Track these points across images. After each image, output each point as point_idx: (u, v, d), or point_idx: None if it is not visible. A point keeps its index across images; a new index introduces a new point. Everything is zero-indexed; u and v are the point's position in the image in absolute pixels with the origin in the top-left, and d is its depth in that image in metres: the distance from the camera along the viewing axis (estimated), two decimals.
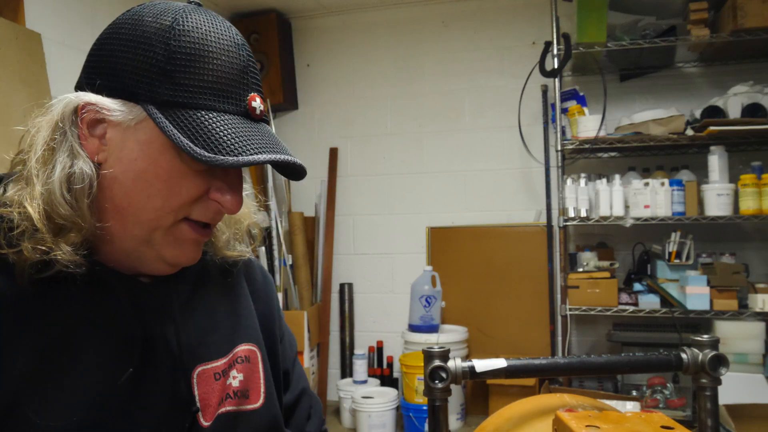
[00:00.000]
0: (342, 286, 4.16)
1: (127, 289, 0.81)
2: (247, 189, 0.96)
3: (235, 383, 0.88)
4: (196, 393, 0.84)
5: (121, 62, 0.74)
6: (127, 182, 0.75)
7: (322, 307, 4.09)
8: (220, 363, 0.88)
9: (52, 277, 0.74)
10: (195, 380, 0.85)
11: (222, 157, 0.71)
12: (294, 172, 0.80)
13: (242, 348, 0.92)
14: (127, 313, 0.80)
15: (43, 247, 0.72)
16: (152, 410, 0.80)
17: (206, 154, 0.70)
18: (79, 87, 0.78)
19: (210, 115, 0.73)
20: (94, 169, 0.74)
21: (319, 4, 4.10)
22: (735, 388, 2.80)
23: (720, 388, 0.92)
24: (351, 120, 4.22)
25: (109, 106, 0.74)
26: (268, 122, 0.83)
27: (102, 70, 0.76)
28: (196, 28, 0.75)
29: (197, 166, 0.75)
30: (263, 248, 3.99)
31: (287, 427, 1.02)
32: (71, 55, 2.81)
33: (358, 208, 4.20)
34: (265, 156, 0.73)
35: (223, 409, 0.86)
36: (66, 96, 0.77)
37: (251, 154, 0.72)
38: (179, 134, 0.71)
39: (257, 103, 0.78)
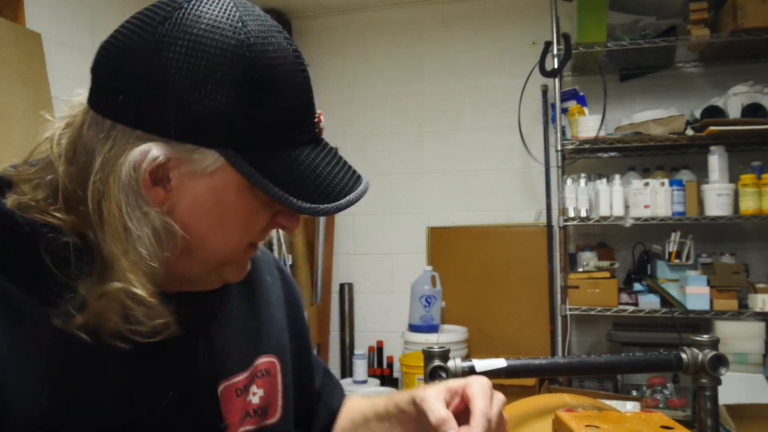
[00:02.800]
0: (342, 286, 4.16)
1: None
2: None
3: (255, 400, 0.84)
4: (221, 410, 0.80)
5: (188, 98, 0.63)
6: (202, 229, 0.68)
7: (322, 307, 4.09)
8: (242, 377, 0.83)
9: None
10: (220, 397, 0.80)
11: (325, 206, 0.68)
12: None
13: (263, 361, 0.87)
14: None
15: (163, 321, 0.66)
16: (184, 428, 0.76)
17: (311, 206, 0.67)
18: (118, 115, 0.65)
19: (294, 153, 0.68)
20: (171, 222, 0.66)
21: (319, 4, 4.10)
22: (735, 388, 2.80)
23: (720, 388, 0.92)
24: (351, 120, 4.22)
25: (180, 155, 0.65)
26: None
27: (156, 106, 0.63)
28: (265, 40, 0.66)
29: (268, 199, 0.69)
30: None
31: (318, 409, 1.00)
32: (71, 55, 2.81)
33: (358, 208, 4.19)
34: (354, 194, 0.72)
35: (244, 428, 0.82)
36: (124, 151, 0.64)
37: (345, 195, 0.71)
38: (273, 186, 0.65)
39: (322, 122, 0.74)
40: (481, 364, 0.90)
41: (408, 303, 3.68)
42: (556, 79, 3.40)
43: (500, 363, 0.90)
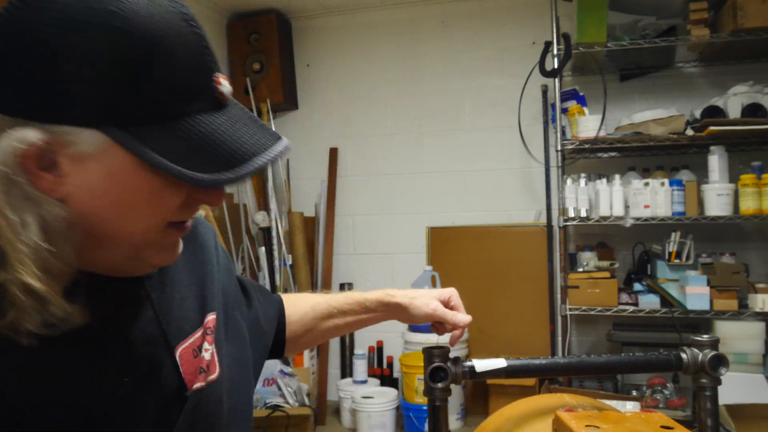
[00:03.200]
0: (342, 286, 4.16)
1: (100, 290, 0.71)
2: None
3: (207, 356, 0.82)
4: (183, 375, 0.78)
5: (55, 76, 0.58)
6: (105, 214, 0.65)
7: None
8: (197, 336, 0.82)
9: None
10: (179, 362, 0.78)
11: (227, 175, 0.63)
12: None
13: (210, 317, 0.85)
14: (108, 317, 0.72)
15: (59, 314, 0.63)
16: (146, 407, 0.75)
17: (210, 177, 0.62)
18: None
19: (188, 122, 0.63)
20: (65, 209, 0.63)
21: (319, 4, 4.10)
22: (735, 388, 2.80)
23: (720, 388, 0.92)
24: (351, 120, 4.22)
25: (59, 139, 0.60)
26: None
27: (29, 87, 0.59)
28: (139, 5, 0.60)
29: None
30: (263, 248, 3.99)
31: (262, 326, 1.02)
32: None
33: (358, 208, 4.20)
34: (262, 158, 0.66)
35: (196, 385, 0.79)
36: None
37: (249, 159, 0.64)
38: (163, 159, 0.61)
39: (224, 85, 0.67)
40: (481, 363, 0.90)
41: None
42: (556, 79, 3.40)
43: (500, 363, 0.90)
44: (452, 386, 0.92)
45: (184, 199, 0.68)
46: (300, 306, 1.10)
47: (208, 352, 0.83)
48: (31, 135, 0.60)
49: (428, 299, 1.05)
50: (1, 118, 0.61)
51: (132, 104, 0.60)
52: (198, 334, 0.83)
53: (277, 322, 1.06)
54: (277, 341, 1.06)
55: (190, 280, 0.86)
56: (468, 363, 0.92)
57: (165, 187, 0.65)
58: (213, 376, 0.83)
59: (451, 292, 1.07)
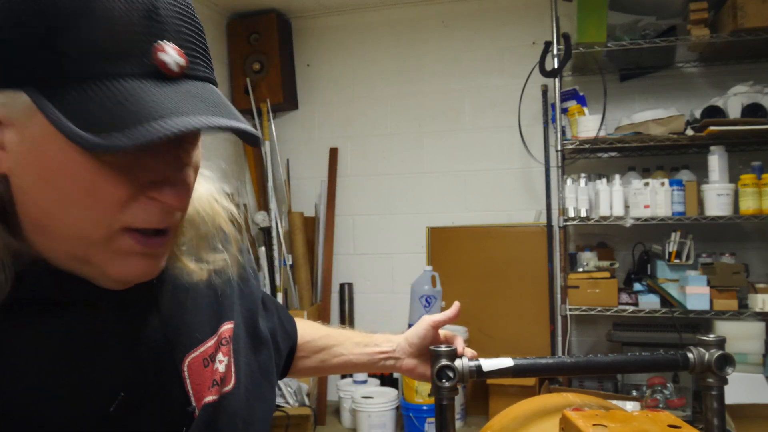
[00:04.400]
0: (342, 286, 4.16)
1: (103, 294, 0.67)
2: (206, 171, 0.78)
3: (221, 368, 0.78)
4: (189, 388, 0.74)
5: None
6: (37, 192, 0.59)
7: (322, 307, 4.09)
8: (209, 345, 0.77)
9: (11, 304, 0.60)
10: (186, 373, 0.74)
11: (116, 138, 0.53)
12: (245, 137, 0.61)
13: (226, 327, 0.81)
14: (112, 324, 0.68)
15: None
16: (149, 423, 0.70)
17: (90, 138, 0.53)
18: None
19: (106, 86, 0.55)
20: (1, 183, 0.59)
21: (319, 4, 4.10)
22: (735, 388, 2.78)
23: None
24: (351, 120, 4.22)
25: None
26: (204, 80, 0.62)
27: None
28: None
29: (110, 158, 0.58)
30: (263, 248, 3.99)
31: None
32: None
33: (358, 208, 4.20)
34: (171, 125, 0.54)
35: (207, 399, 0.75)
36: None
37: (159, 119, 0.54)
38: (65, 119, 0.54)
39: (170, 54, 0.58)
40: (488, 363, 0.90)
41: (408, 303, 3.68)
42: (556, 79, 3.40)
43: (507, 362, 0.90)
44: None
45: (131, 194, 0.60)
46: (309, 332, 1.10)
47: (223, 363, 0.78)
48: None
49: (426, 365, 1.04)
50: None
51: (52, 63, 0.55)
52: (210, 343, 0.78)
53: (290, 344, 1.05)
54: (286, 362, 1.06)
55: (206, 285, 0.80)
56: (475, 362, 0.92)
57: (100, 172, 0.58)
58: (228, 388, 0.79)
59: (454, 335, 1.06)
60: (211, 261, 0.78)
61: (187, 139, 0.64)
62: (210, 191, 0.79)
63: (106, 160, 0.58)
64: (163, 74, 0.58)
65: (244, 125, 0.59)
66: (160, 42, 0.58)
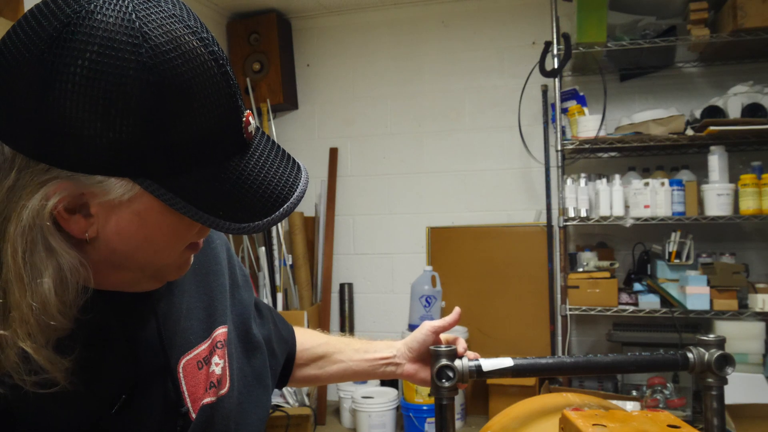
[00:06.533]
0: (342, 286, 4.16)
1: (105, 299, 0.71)
2: None
3: (218, 371, 0.82)
4: (184, 389, 0.78)
5: (89, 131, 0.57)
6: (130, 250, 0.66)
7: (322, 307, 4.09)
8: (203, 348, 0.82)
9: None
10: (181, 374, 0.79)
11: (256, 223, 0.64)
12: None
13: (220, 331, 0.85)
14: (112, 328, 0.73)
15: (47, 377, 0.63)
16: (144, 424, 0.75)
17: (239, 225, 0.63)
18: (18, 144, 0.59)
19: (218, 169, 0.62)
20: (83, 262, 0.63)
21: (319, 4, 4.10)
22: (735, 388, 2.79)
23: None
24: (351, 120, 4.22)
25: (91, 188, 0.60)
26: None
27: (57, 140, 0.57)
28: (171, 54, 0.58)
29: None
30: (263, 248, 3.99)
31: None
32: None
33: (358, 208, 4.20)
34: (289, 204, 0.66)
35: (205, 400, 0.80)
36: (27, 186, 0.60)
37: (279, 202, 0.65)
38: (195, 209, 0.61)
39: (252, 124, 0.66)
40: (488, 363, 0.90)
41: (408, 303, 3.68)
42: (556, 79, 3.40)
43: (507, 362, 0.90)
44: None
45: (198, 227, 0.69)
46: (308, 340, 1.11)
47: (219, 366, 0.83)
48: (63, 188, 0.60)
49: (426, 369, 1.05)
50: (26, 159, 0.60)
51: (162, 153, 0.59)
52: (204, 346, 0.82)
53: (288, 350, 1.06)
54: (284, 375, 1.06)
55: (199, 290, 0.85)
56: (475, 362, 0.92)
57: (185, 223, 0.66)
58: (223, 391, 0.83)
59: (456, 338, 1.06)
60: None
61: None
62: None
63: None
64: (246, 141, 0.65)
65: (306, 173, 0.70)
66: (245, 114, 0.65)
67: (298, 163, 0.71)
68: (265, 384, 0.93)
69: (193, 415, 0.78)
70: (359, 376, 1.10)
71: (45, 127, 0.57)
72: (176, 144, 0.59)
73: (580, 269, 3.40)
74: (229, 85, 0.62)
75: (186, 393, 0.78)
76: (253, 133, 0.67)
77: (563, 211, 3.35)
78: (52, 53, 0.56)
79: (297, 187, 0.67)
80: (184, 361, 0.79)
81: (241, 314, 0.92)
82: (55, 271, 0.61)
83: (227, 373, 0.84)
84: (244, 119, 0.64)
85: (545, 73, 3.43)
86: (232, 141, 0.63)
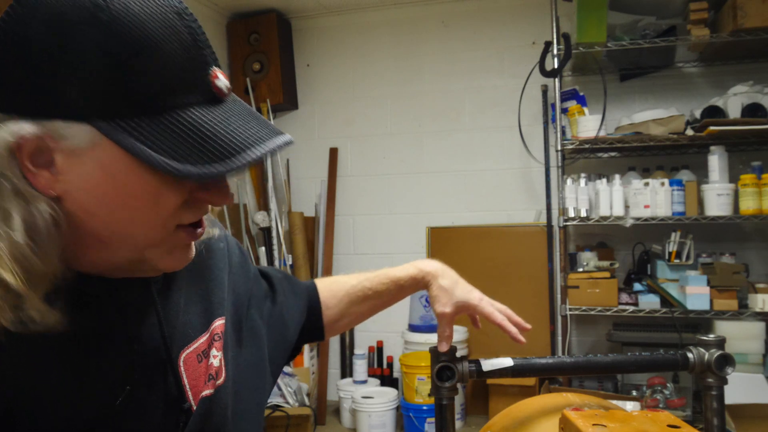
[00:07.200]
0: None
1: (106, 293, 0.72)
2: None
3: (216, 363, 0.82)
4: (186, 383, 0.78)
5: (46, 71, 0.59)
6: (101, 212, 0.64)
7: None
8: (202, 341, 0.82)
9: None
10: (182, 368, 0.78)
11: (214, 167, 0.61)
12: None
13: (218, 323, 0.85)
14: (113, 322, 0.72)
15: (32, 313, 0.62)
16: (148, 418, 0.74)
17: (194, 170, 0.61)
18: None
19: (177, 116, 0.62)
20: (55, 208, 0.63)
21: (319, 4, 4.10)
22: (735, 388, 2.78)
23: None
24: (351, 120, 4.22)
25: (51, 133, 0.60)
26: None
27: (18, 84, 0.60)
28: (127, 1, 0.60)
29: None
30: (263, 248, 3.99)
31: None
32: None
33: (358, 208, 4.20)
34: (257, 150, 0.63)
35: (204, 392, 0.79)
36: None
37: (243, 151, 0.63)
38: (151, 152, 0.60)
39: (221, 80, 0.66)
40: (488, 363, 0.90)
41: (408, 303, 3.68)
42: (556, 79, 3.40)
43: (507, 362, 0.90)
44: None
45: (185, 198, 0.67)
46: (336, 291, 1.14)
47: (217, 358, 0.82)
48: (23, 128, 0.60)
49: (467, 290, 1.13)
50: None
51: (120, 98, 0.60)
52: (203, 339, 0.82)
53: (307, 313, 1.08)
54: (317, 327, 1.09)
55: (196, 283, 0.85)
56: (474, 362, 0.92)
57: (161, 184, 0.64)
58: (220, 381, 0.83)
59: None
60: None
61: None
62: None
63: (166, 176, 0.63)
64: (217, 98, 0.65)
65: (288, 137, 0.68)
66: (212, 68, 0.65)
67: (277, 129, 0.69)
68: (260, 371, 0.93)
69: (194, 408, 0.79)
70: (390, 304, 1.16)
71: (7, 75, 0.60)
72: (133, 87, 0.60)
73: (580, 269, 3.40)
74: (193, 36, 0.63)
75: (187, 387, 0.78)
76: (225, 91, 0.66)
77: (563, 211, 3.35)
78: (19, 6, 0.60)
79: (269, 142, 0.65)
80: (184, 354, 0.79)
81: (237, 303, 0.92)
82: (23, 213, 0.61)
83: (223, 364, 0.84)
84: (211, 72, 0.65)
85: (545, 73, 3.43)
86: (197, 90, 0.64)
